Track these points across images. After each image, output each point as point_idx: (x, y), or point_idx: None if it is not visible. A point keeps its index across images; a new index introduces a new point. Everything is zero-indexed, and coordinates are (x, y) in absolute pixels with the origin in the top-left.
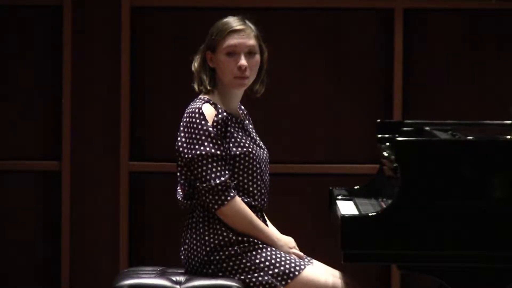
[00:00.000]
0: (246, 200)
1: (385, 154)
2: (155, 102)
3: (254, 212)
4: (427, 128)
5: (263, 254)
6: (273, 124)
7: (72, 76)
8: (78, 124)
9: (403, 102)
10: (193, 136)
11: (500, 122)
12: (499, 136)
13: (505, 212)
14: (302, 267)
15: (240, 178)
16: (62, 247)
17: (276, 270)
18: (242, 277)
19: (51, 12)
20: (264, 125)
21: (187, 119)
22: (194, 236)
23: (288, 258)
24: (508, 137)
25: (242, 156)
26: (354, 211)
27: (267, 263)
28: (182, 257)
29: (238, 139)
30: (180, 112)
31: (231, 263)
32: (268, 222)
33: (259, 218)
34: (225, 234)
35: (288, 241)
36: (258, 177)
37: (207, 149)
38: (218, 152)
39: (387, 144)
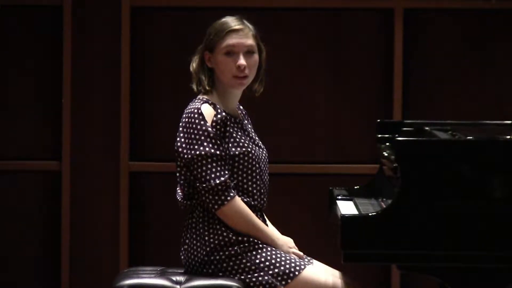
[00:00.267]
0: (245, 200)
1: (385, 154)
2: (155, 102)
3: (253, 211)
4: (427, 128)
5: (263, 254)
6: (273, 124)
7: (72, 76)
8: (78, 124)
9: (403, 102)
10: (192, 136)
11: (500, 122)
12: (499, 136)
13: (505, 212)
14: (302, 267)
15: (240, 178)
16: (62, 247)
17: (276, 270)
18: (242, 277)
19: (51, 12)
20: (264, 125)
21: (186, 120)
22: (194, 236)
23: (288, 258)
24: (508, 137)
25: (241, 156)
26: (354, 211)
27: (267, 263)
28: (182, 257)
29: (237, 139)
30: (180, 112)
31: (231, 263)
32: (268, 222)
33: (259, 218)
34: (225, 234)
35: (287, 241)
36: (258, 176)
37: (207, 149)
38: (218, 152)
39: (387, 144)
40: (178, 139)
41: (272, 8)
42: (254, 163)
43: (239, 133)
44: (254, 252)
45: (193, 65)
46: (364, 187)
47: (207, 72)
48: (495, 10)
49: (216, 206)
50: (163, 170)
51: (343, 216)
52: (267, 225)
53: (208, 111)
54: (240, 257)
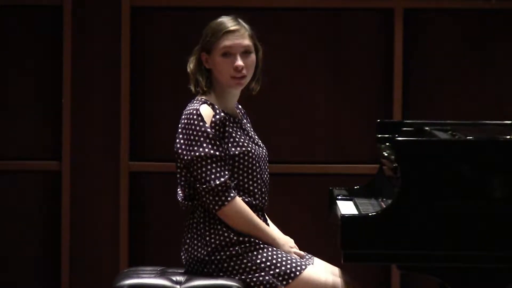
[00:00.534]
0: (246, 199)
1: (385, 154)
2: (155, 102)
3: (254, 211)
4: (427, 128)
5: (264, 254)
6: (273, 124)
7: (72, 76)
8: (78, 124)
9: (403, 102)
10: (192, 137)
11: (500, 122)
12: (499, 136)
13: (505, 212)
14: (303, 267)
15: (240, 177)
16: (62, 247)
17: (277, 270)
18: (243, 277)
19: (51, 12)
20: (264, 125)
21: (185, 121)
22: (195, 236)
23: (289, 258)
24: (508, 137)
25: (241, 155)
26: (354, 211)
27: (268, 263)
28: (183, 257)
29: (237, 139)
30: (180, 112)
31: (232, 263)
32: (269, 221)
33: (260, 218)
34: (226, 234)
35: (288, 240)
36: (258, 176)
37: (206, 150)
38: (217, 153)
39: (387, 144)
40: (177, 140)
41: (272, 8)
42: (254, 162)
43: (239, 133)
44: (255, 252)
45: (190, 66)
46: (364, 187)
47: (205, 73)
48: (495, 10)
49: (216, 207)
50: (163, 170)
51: (343, 216)
52: (268, 224)
53: (207, 112)
54: (241, 257)
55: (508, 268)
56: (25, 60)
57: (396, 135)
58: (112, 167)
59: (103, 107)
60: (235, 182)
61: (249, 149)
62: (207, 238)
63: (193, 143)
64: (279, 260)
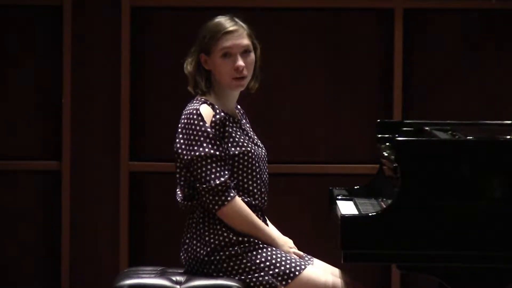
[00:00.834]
0: (246, 199)
1: (385, 154)
2: (155, 102)
3: (254, 211)
4: (427, 128)
5: (264, 254)
6: (273, 124)
7: (72, 76)
8: (78, 124)
9: (403, 102)
10: (192, 137)
11: (500, 122)
12: (499, 136)
13: (505, 212)
14: (303, 267)
15: (240, 177)
16: (62, 247)
17: (277, 270)
18: (243, 277)
19: (51, 12)
20: (264, 125)
21: (185, 121)
22: (194, 236)
23: (288, 258)
24: (508, 137)
25: (241, 155)
26: (354, 211)
27: (267, 263)
28: (182, 257)
29: (237, 139)
30: (180, 112)
31: (231, 263)
32: (268, 221)
33: (259, 218)
34: (225, 234)
35: (287, 241)
36: (258, 176)
37: (206, 150)
38: (217, 153)
39: (387, 144)
40: (177, 140)
41: (272, 8)
42: (254, 162)
43: (238, 133)
44: (254, 252)
45: (188, 67)
46: (364, 187)
47: (204, 74)
48: (495, 10)
49: (216, 207)
50: (163, 170)
51: (343, 216)
52: (267, 225)
53: (207, 112)
54: (240, 257)
55: (508, 268)
56: (25, 60)
57: (396, 135)
58: (112, 167)
59: (103, 107)
60: (234, 182)
61: (248, 149)
62: (207, 238)
63: (193, 143)
64: (279, 260)
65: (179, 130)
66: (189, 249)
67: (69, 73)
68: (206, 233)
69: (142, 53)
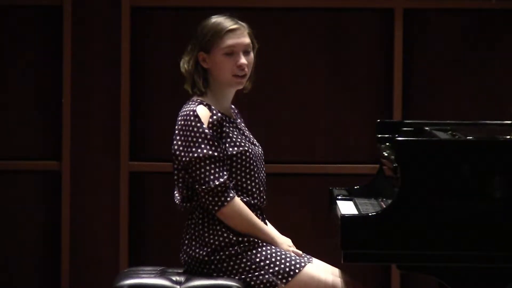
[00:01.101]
0: (245, 199)
1: (385, 154)
2: (155, 102)
3: (253, 211)
4: (427, 128)
5: (263, 253)
6: (273, 124)
7: (72, 76)
8: (78, 124)
9: (403, 102)
10: (189, 139)
11: (500, 122)
12: (499, 136)
13: (505, 212)
14: (303, 264)
15: (238, 177)
16: (62, 247)
17: (277, 268)
18: (243, 276)
19: (51, 12)
20: (264, 125)
21: (182, 122)
22: (194, 237)
23: (288, 256)
24: (508, 137)
25: (239, 155)
26: (354, 211)
27: (267, 262)
28: (182, 257)
29: (234, 139)
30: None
31: (231, 263)
32: (267, 221)
33: (259, 217)
34: (225, 235)
35: (286, 240)
36: (256, 175)
37: (204, 151)
38: (216, 154)
39: (387, 144)
40: (174, 142)
41: (272, 8)
42: (251, 161)
43: (235, 133)
44: (254, 251)
45: (186, 66)
46: (364, 187)
47: (202, 73)
48: (495, 10)
49: (216, 208)
50: (163, 170)
51: (343, 216)
52: (266, 224)
53: (204, 113)
54: (240, 256)
55: (508, 268)
56: (25, 60)
57: (396, 135)
58: (112, 167)
59: (103, 107)
60: (233, 182)
61: (246, 148)
62: (206, 239)
63: (191, 144)
64: (279, 258)
65: (176, 132)
66: (189, 249)
67: (69, 73)
68: (206, 234)
69: (142, 53)
